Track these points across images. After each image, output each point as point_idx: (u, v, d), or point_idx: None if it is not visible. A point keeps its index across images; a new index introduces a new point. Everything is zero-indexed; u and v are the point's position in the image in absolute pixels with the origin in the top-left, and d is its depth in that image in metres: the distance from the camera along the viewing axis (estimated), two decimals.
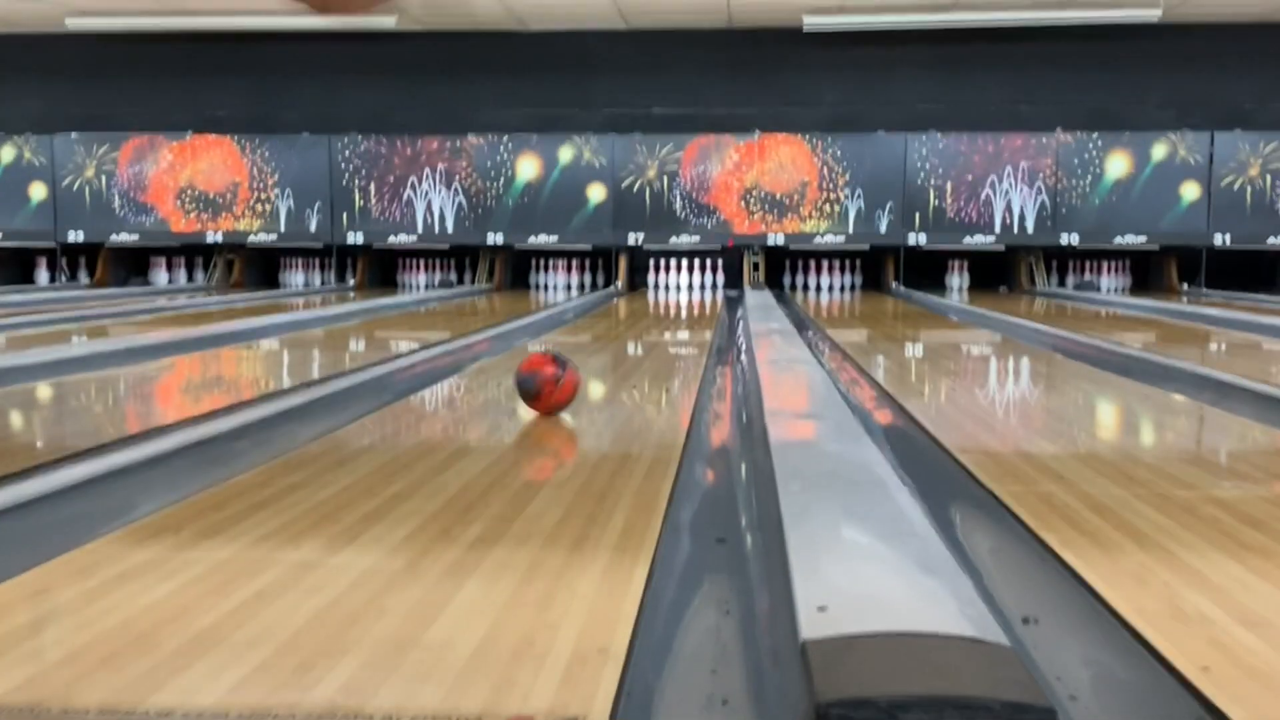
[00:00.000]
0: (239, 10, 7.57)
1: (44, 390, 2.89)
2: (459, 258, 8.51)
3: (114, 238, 8.31)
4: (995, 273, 8.22)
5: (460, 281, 8.48)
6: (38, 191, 8.33)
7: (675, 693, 1.11)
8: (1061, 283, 8.14)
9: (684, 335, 5.13)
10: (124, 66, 8.42)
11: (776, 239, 7.97)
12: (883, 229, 7.91)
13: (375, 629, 1.08)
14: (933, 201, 7.88)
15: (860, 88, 8.10)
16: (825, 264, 8.25)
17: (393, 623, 1.10)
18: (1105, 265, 8.12)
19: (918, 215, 7.89)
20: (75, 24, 7.80)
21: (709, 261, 8.23)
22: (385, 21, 7.63)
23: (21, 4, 7.55)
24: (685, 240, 8.01)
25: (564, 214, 8.06)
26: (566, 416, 2.59)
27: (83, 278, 8.52)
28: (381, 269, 8.50)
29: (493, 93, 8.26)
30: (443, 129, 8.13)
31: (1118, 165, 7.77)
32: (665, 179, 7.99)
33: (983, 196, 7.85)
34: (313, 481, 1.75)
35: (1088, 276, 8.13)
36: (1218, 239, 7.70)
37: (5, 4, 7.57)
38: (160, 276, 8.58)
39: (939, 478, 1.92)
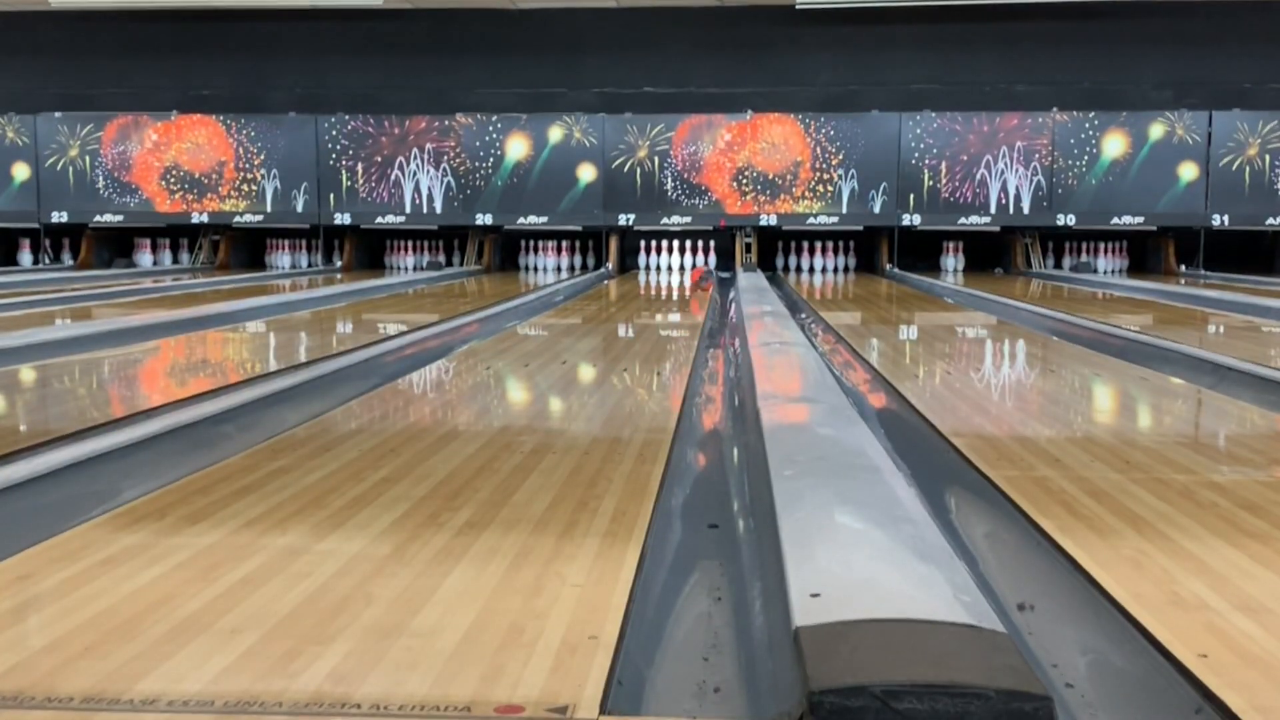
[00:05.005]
0: None
1: (26, 373, 2.85)
2: (447, 239, 8.46)
3: (98, 218, 8.23)
4: (991, 254, 8.21)
5: (449, 263, 8.43)
6: (21, 172, 8.24)
7: (667, 681, 1.10)
8: (1058, 264, 8.13)
9: (675, 317, 5.11)
10: (108, 45, 8.31)
11: (769, 220, 7.94)
12: (876, 210, 7.88)
13: (362, 616, 1.06)
14: (927, 182, 7.86)
15: (854, 67, 8.05)
16: (818, 245, 8.22)
17: (380, 609, 1.08)
18: (1102, 246, 8.11)
19: (912, 196, 7.86)
20: (60, 1, 7.68)
21: (701, 243, 8.19)
22: (373, 0, 7.54)
23: None
24: (676, 221, 7.97)
25: (554, 195, 8.01)
26: (555, 400, 2.58)
27: (66, 259, 8.44)
28: (369, 250, 8.44)
29: (482, 72, 8.19)
30: (431, 109, 8.06)
31: (1115, 145, 7.74)
32: (656, 159, 7.94)
33: (978, 177, 7.83)
34: (299, 466, 1.73)
35: (1084, 258, 8.11)
36: (1215, 220, 7.70)
37: None
38: (144, 258, 8.50)
39: (933, 462, 1.91)
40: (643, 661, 1.12)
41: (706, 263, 8.15)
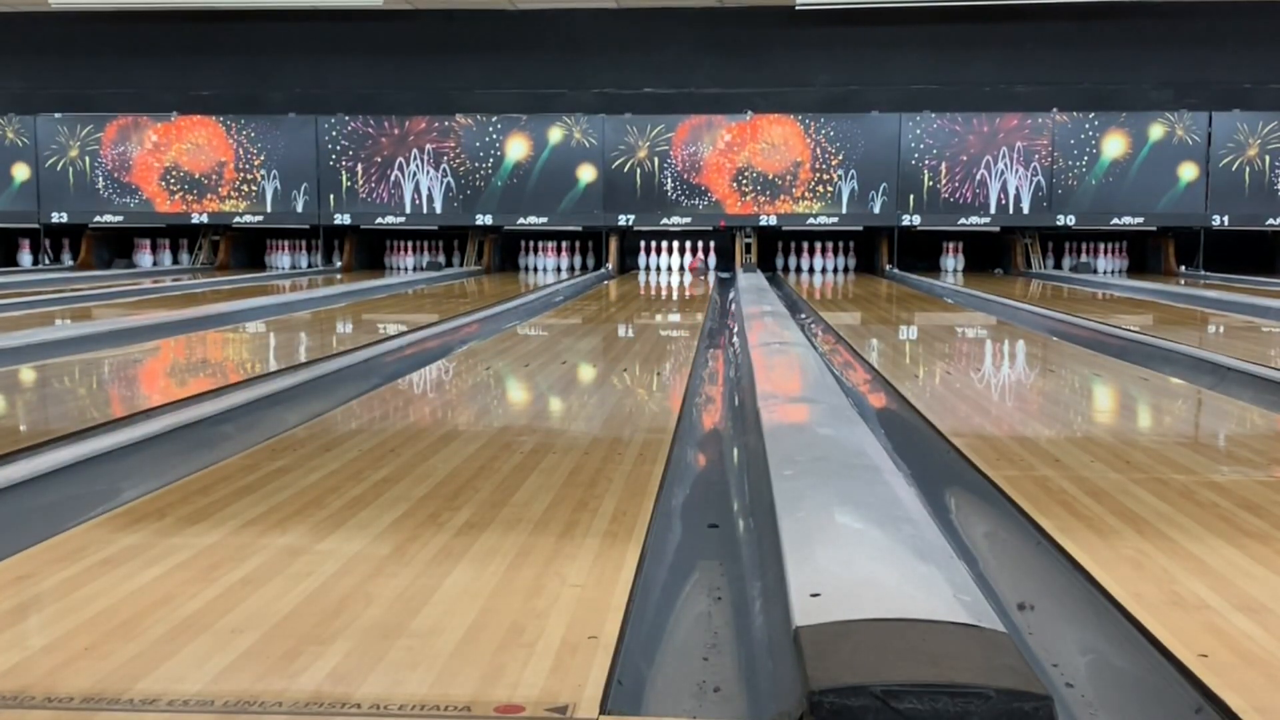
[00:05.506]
0: None
1: (27, 373, 2.85)
2: (447, 239, 8.46)
3: (98, 219, 8.23)
4: (990, 254, 8.20)
5: (449, 263, 8.43)
6: (21, 172, 8.24)
7: (666, 680, 1.10)
8: (1058, 264, 8.13)
9: (675, 317, 5.11)
10: (108, 46, 8.31)
11: (769, 220, 7.94)
12: (876, 210, 7.88)
13: (362, 616, 1.06)
14: (927, 182, 7.85)
15: (854, 67, 8.04)
16: (818, 245, 8.22)
17: (380, 609, 1.08)
18: (1102, 247, 8.10)
19: (912, 196, 7.86)
20: (59, 2, 7.68)
21: (701, 243, 8.19)
22: (372, 0, 7.54)
23: None
24: (676, 221, 7.97)
25: (554, 195, 8.01)
26: (555, 400, 2.57)
27: (66, 259, 8.44)
28: (369, 251, 8.44)
29: (482, 72, 8.19)
30: (431, 109, 8.06)
31: (1115, 146, 7.74)
32: (656, 160, 7.94)
33: (978, 177, 7.83)
34: (299, 466, 1.73)
35: (1084, 258, 8.11)
36: (1215, 220, 7.69)
37: None
38: (144, 258, 8.50)
39: (933, 462, 1.91)
40: (643, 661, 1.11)
41: (706, 261, 8.16)
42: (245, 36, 8.21)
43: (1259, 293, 5.65)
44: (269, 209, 8.17)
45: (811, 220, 7.94)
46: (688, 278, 7.72)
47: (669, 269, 8.17)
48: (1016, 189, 7.80)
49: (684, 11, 7.94)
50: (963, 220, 7.87)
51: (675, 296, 6.24)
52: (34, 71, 8.40)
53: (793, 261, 8.26)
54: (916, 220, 7.87)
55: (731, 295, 5.86)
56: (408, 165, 8.05)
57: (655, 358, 3.32)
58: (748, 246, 8.01)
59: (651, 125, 7.93)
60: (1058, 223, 7.82)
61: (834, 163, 7.86)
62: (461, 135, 8.02)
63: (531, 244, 8.29)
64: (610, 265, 8.02)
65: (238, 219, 8.20)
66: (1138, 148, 7.72)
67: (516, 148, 8.00)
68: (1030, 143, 7.77)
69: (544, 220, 8.02)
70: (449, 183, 8.05)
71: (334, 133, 8.07)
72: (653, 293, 6.42)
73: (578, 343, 3.74)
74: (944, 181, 7.84)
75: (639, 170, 7.95)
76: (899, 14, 7.62)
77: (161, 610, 1.08)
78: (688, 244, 8.22)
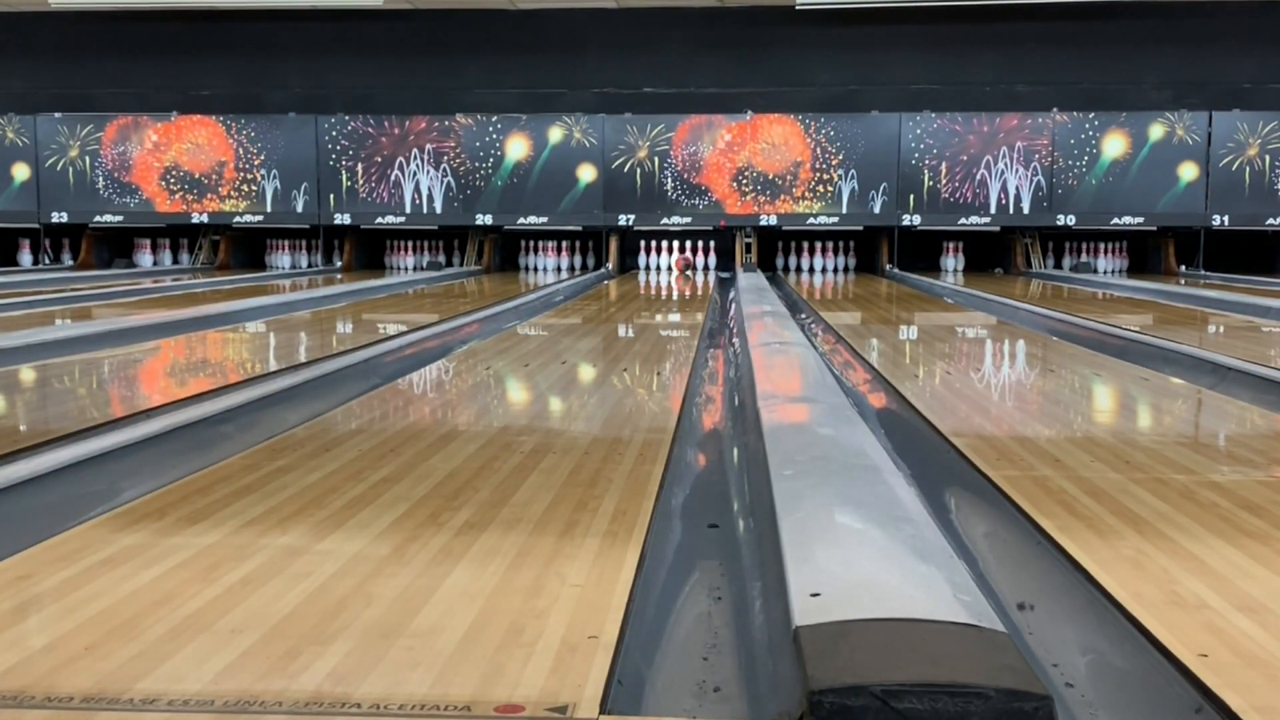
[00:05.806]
0: None
1: (26, 373, 2.85)
2: (447, 239, 8.46)
3: (98, 219, 8.23)
4: (991, 254, 8.21)
5: (449, 263, 8.43)
6: (21, 172, 8.24)
7: (667, 680, 1.10)
8: (1058, 264, 8.13)
9: (675, 317, 5.11)
10: (108, 46, 8.31)
11: (769, 220, 7.94)
12: (876, 210, 7.88)
13: (362, 616, 1.06)
14: (927, 182, 7.85)
15: (854, 67, 8.04)
16: (818, 245, 8.23)
17: (380, 609, 1.08)
18: (1102, 247, 8.11)
19: (912, 196, 7.86)
20: (59, 2, 7.68)
21: (701, 243, 8.20)
22: (373, 0, 7.54)
23: None
24: (676, 221, 7.97)
25: (554, 195, 8.01)
26: (555, 400, 2.58)
27: (66, 259, 8.44)
28: (369, 250, 8.44)
29: (482, 72, 8.19)
30: (431, 109, 8.06)
31: (1115, 146, 7.74)
32: (656, 159, 7.94)
33: (978, 177, 7.83)
34: (299, 466, 1.73)
35: (1084, 258, 8.11)
36: (1215, 220, 7.69)
37: None
38: (144, 258, 8.50)
39: (933, 462, 1.91)
40: (643, 661, 1.12)
41: (708, 263, 8.17)
42: (245, 36, 8.21)
43: (1259, 293, 5.65)
44: (269, 209, 8.17)
45: (811, 220, 7.93)
46: (675, 266, 7.73)
47: (669, 269, 8.17)
48: (1016, 189, 7.80)
49: (684, 11, 7.93)
50: (963, 220, 7.87)
51: (675, 296, 6.24)
52: (34, 71, 8.40)
53: (793, 261, 8.26)
54: (916, 220, 7.87)
55: (731, 295, 5.86)
56: (408, 165, 8.05)
57: (655, 358, 3.32)
58: (748, 246, 8.01)
59: (651, 125, 7.93)
60: (1058, 222, 7.82)
61: (834, 163, 7.86)
62: (461, 135, 8.01)
63: (531, 244, 8.29)
64: (610, 265, 8.02)
65: (238, 219, 8.20)
66: (1138, 148, 7.72)
67: (516, 147, 8.00)
68: (1030, 143, 7.77)
69: (544, 220, 8.02)
70: (449, 183, 8.05)
71: (334, 133, 8.07)
72: (653, 292, 6.42)
73: (578, 342, 3.74)
74: (944, 181, 7.84)
75: (639, 170, 7.95)
76: (899, 14, 7.62)
77: (161, 610, 1.08)
78: (688, 244, 8.22)
